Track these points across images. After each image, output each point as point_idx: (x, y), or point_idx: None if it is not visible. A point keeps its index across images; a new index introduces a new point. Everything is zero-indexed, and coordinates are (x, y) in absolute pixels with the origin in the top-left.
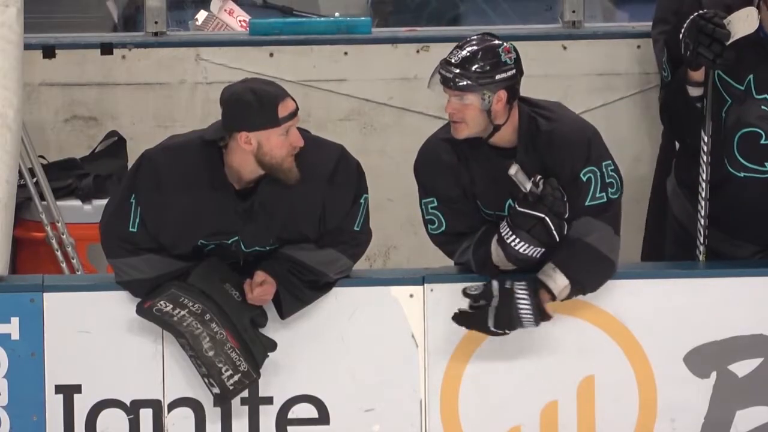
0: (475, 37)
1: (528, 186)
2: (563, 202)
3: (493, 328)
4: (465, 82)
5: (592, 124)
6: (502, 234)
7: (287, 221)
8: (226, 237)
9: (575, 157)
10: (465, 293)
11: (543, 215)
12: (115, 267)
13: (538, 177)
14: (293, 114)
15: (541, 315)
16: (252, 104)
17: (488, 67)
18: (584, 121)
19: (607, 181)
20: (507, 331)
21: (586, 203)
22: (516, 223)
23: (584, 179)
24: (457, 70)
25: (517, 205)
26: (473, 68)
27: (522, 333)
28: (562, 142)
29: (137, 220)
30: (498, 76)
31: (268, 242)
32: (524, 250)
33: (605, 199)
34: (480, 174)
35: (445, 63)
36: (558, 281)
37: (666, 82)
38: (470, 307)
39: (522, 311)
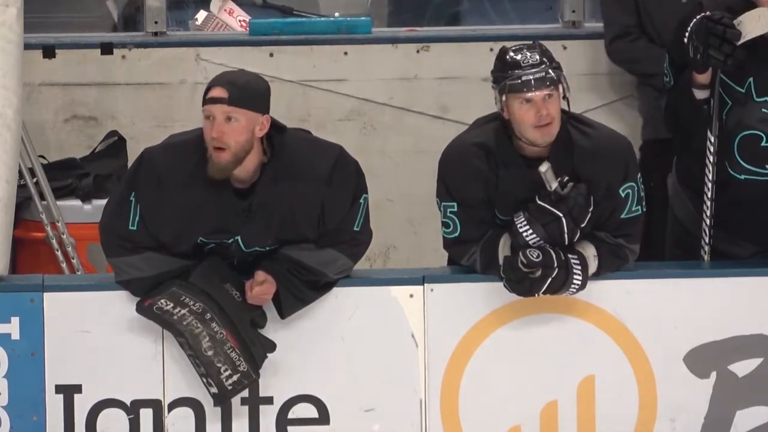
0: (519, 44)
1: (554, 185)
2: (585, 210)
3: (540, 294)
4: (556, 73)
5: (626, 138)
6: (516, 223)
7: (286, 221)
8: (226, 236)
9: (614, 175)
10: (524, 256)
11: (560, 214)
12: (115, 266)
13: (566, 178)
14: (212, 99)
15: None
16: None
17: (555, 58)
18: (620, 136)
19: (641, 194)
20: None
21: (623, 216)
22: (533, 216)
23: (623, 195)
24: (548, 65)
25: (537, 199)
26: (553, 58)
27: (521, 332)
28: (601, 158)
29: (137, 219)
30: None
31: (268, 242)
32: (534, 242)
33: (639, 212)
34: (506, 181)
35: (528, 66)
36: (591, 269)
37: (669, 87)
38: (520, 270)
39: (573, 284)
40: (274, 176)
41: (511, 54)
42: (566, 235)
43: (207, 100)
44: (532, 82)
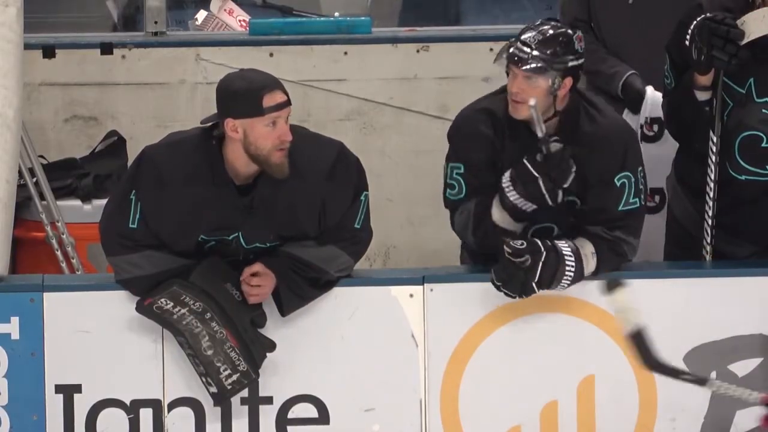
0: (548, 21)
1: (542, 127)
2: (567, 172)
3: (534, 285)
4: (539, 64)
5: (632, 129)
6: (503, 181)
7: (287, 218)
8: (227, 233)
9: (610, 162)
10: (508, 246)
11: (537, 176)
12: (115, 265)
13: (554, 137)
14: (281, 106)
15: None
16: (238, 91)
17: (563, 52)
18: (625, 126)
19: (640, 187)
20: (525, 295)
21: (620, 208)
22: (517, 174)
23: (618, 184)
24: (534, 52)
25: (525, 158)
26: (549, 51)
27: (521, 332)
28: (599, 144)
29: (137, 216)
30: (571, 63)
31: (269, 239)
32: (516, 200)
33: (638, 205)
34: (511, 150)
35: (520, 42)
36: (589, 267)
37: (670, 89)
38: (509, 262)
39: (567, 270)
40: None
41: (529, 26)
42: (546, 195)
43: (276, 107)
44: (514, 57)
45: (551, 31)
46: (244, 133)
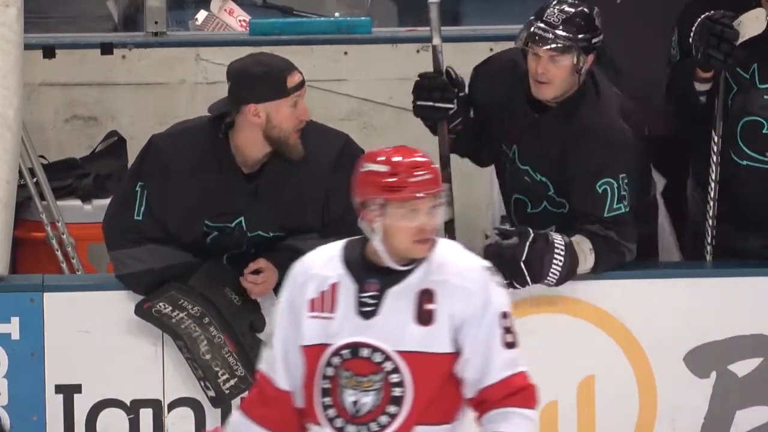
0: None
1: (436, 36)
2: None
3: (523, 265)
4: (566, 43)
5: (627, 136)
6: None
7: (291, 206)
8: (231, 218)
9: (593, 162)
10: (497, 229)
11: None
12: (116, 260)
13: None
14: (301, 85)
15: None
16: (261, 75)
17: (586, 29)
18: (621, 133)
19: (623, 193)
20: (519, 286)
21: (605, 215)
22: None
23: (600, 191)
24: (559, 31)
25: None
26: (575, 29)
27: (521, 332)
28: (587, 142)
29: (143, 208)
30: (594, 40)
31: (272, 228)
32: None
33: (623, 210)
34: (508, 106)
35: (544, 22)
36: (588, 263)
37: (674, 61)
38: (500, 243)
39: (556, 255)
40: (281, 160)
41: (548, 5)
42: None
43: (298, 86)
44: (537, 37)
45: (572, 9)
46: (267, 117)
